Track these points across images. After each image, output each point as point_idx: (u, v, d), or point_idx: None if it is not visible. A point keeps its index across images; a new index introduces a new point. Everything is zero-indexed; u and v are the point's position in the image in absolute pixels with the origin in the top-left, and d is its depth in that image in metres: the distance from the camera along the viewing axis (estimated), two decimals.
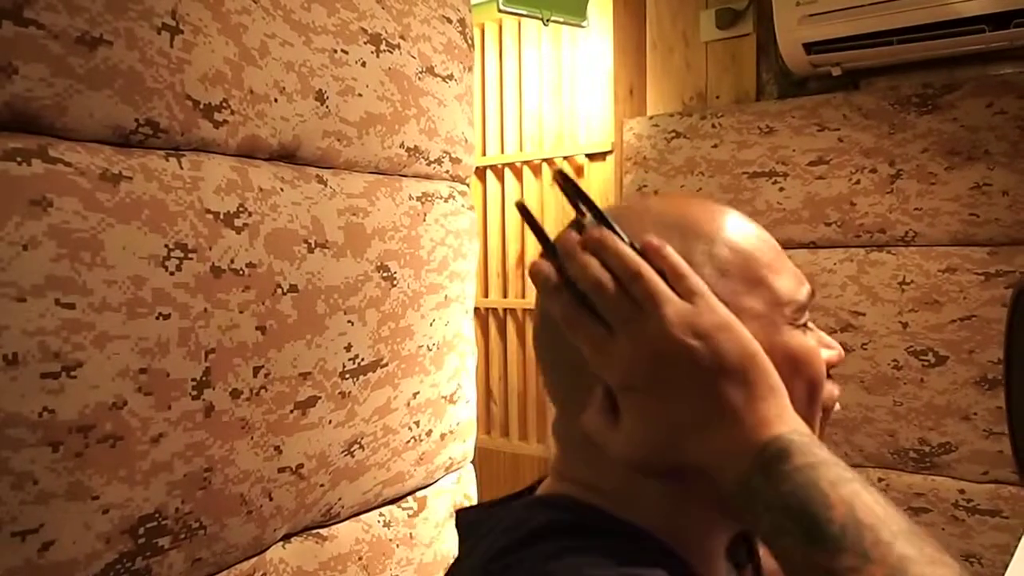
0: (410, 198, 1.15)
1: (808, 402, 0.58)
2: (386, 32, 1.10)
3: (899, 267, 1.95)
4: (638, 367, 0.52)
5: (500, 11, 2.06)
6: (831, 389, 0.63)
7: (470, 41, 1.30)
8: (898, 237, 1.95)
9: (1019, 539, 1.20)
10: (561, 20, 2.23)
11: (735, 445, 0.50)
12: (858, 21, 1.83)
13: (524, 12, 2.10)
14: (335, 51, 1.02)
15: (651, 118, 2.31)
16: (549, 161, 2.57)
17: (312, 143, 1.01)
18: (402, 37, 1.13)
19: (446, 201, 1.23)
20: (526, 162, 2.62)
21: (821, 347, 0.62)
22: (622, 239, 0.54)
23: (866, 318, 1.99)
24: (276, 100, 0.95)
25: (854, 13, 1.83)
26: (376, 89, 1.08)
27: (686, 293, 0.52)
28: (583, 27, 2.33)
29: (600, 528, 0.56)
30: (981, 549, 1.87)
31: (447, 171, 1.24)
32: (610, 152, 2.42)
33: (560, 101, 2.57)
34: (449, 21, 1.23)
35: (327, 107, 1.01)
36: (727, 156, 2.16)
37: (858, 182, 1.98)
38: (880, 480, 1.98)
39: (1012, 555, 1.21)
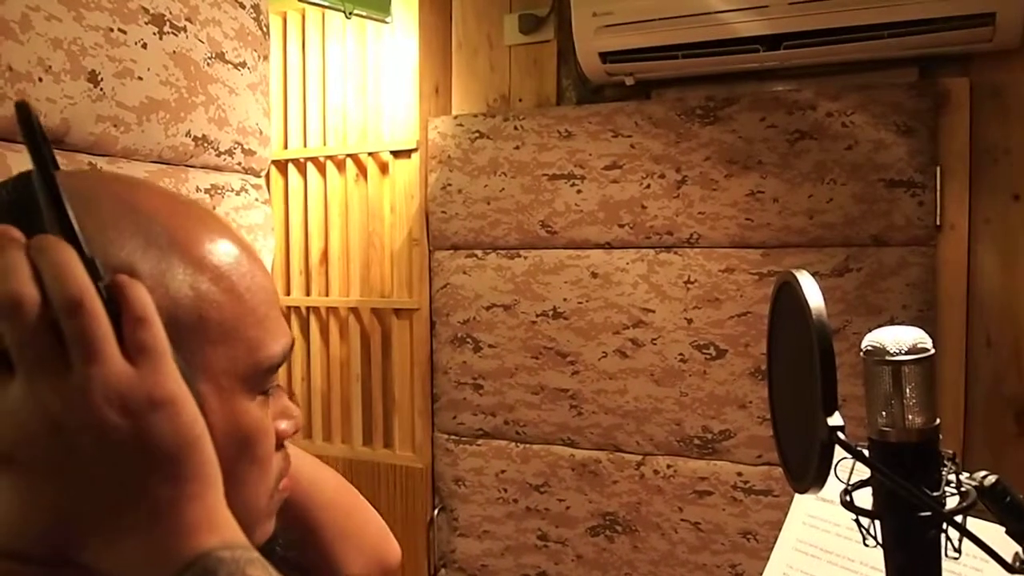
0: (197, 190, 1.09)
1: (257, 483, 0.50)
2: (170, 13, 1.04)
3: (684, 267, 2.08)
4: (27, 432, 0.38)
5: (301, 1, 2.00)
6: (280, 464, 0.54)
7: (265, 28, 1.25)
8: (684, 239, 2.08)
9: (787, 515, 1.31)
10: (364, 15, 2.20)
11: (153, 556, 0.40)
12: (648, 34, 1.94)
13: (326, 4, 2.05)
14: (111, 30, 0.95)
15: (456, 117, 2.33)
16: (353, 156, 2.53)
17: (84, 128, 0.93)
18: (188, 19, 1.07)
19: (238, 194, 1.17)
20: (329, 157, 2.56)
21: (280, 418, 0.53)
22: (81, 248, 0.40)
23: (655, 315, 2.11)
24: (41, 79, 0.86)
25: (644, 27, 1.94)
26: (159, 73, 1.02)
27: (136, 348, 0.40)
28: (387, 23, 2.31)
29: None
30: (756, 526, 2.03)
31: (239, 163, 1.19)
32: (415, 150, 2.41)
33: (365, 96, 2.53)
34: (242, 6, 1.18)
35: (101, 90, 0.94)
36: (528, 158, 2.22)
37: (648, 186, 2.10)
38: (668, 467, 2.11)
39: (781, 529, 1.32)
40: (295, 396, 2.78)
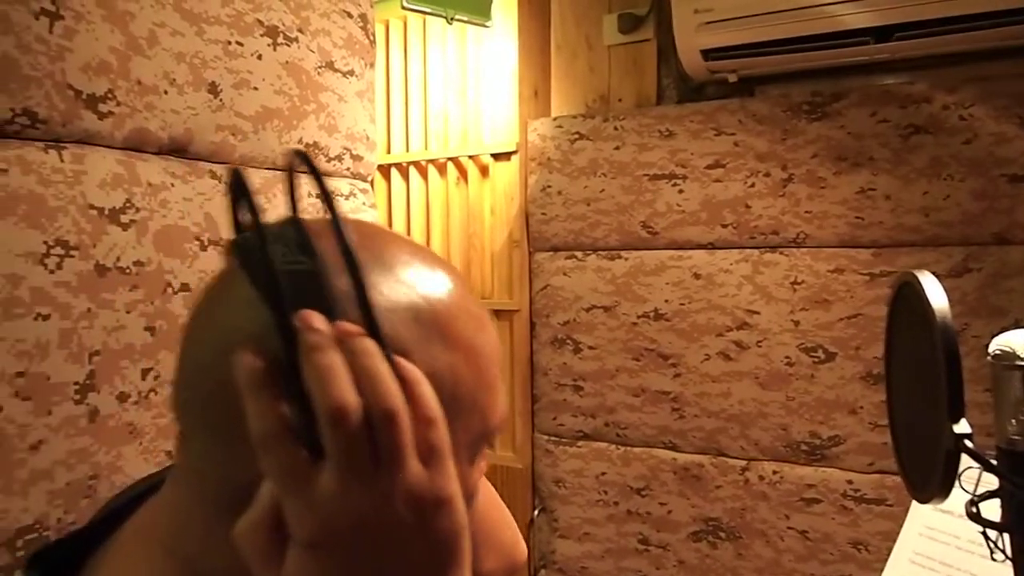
0: (309, 195, 1.13)
1: None
2: (283, 25, 1.08)
3: (791, 267, 2.03)
4: (337, 525, 0.41)
5: (404, 8, 2.04)
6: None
7: (372, 37, 1.28)
8: (790, 239, 2.03)
9: (902, 526, 1.26)
10: (465, 19, 2.23)
11: None
12: (751, 30, 1.90)
13: (428, 10, 2.09)
14: (229, 43, 0.99)
15: (555, 119, 2.33)
16: (454, 160, 2.57)
17: (205, 137, 0.97)
18: (300, 30, 1.10)
19: (347, 199, 1.21)
20: (431, 161, 2.61)
21: None
22: (382, 344, 0.42)
23: (760, 316, 2.06)
24: (166, 92, 0.91)
25: (748, 22, 1.89)
26: (273, 83, 1.06)
27: (427, 450, 0.43)
28: (487, 27, 2.33)
29: None
30: (868, 536, 1.96)
31: (348, 168, 1.22)
32: (515, 152, 2.43)
33: (465, 100, 2.57)
34: (350, 16, 1.22)
35: (221, 100, 0.98)
36: (629, 158, 2.20)
37: (753, 185, 2.05)
38: (774, 473, 2.06)
39: (895, 541, 1.27)
40: None
